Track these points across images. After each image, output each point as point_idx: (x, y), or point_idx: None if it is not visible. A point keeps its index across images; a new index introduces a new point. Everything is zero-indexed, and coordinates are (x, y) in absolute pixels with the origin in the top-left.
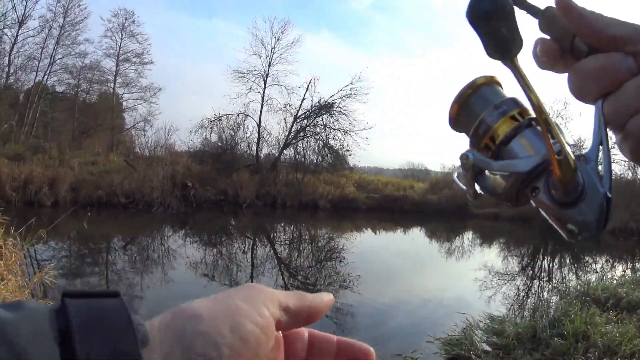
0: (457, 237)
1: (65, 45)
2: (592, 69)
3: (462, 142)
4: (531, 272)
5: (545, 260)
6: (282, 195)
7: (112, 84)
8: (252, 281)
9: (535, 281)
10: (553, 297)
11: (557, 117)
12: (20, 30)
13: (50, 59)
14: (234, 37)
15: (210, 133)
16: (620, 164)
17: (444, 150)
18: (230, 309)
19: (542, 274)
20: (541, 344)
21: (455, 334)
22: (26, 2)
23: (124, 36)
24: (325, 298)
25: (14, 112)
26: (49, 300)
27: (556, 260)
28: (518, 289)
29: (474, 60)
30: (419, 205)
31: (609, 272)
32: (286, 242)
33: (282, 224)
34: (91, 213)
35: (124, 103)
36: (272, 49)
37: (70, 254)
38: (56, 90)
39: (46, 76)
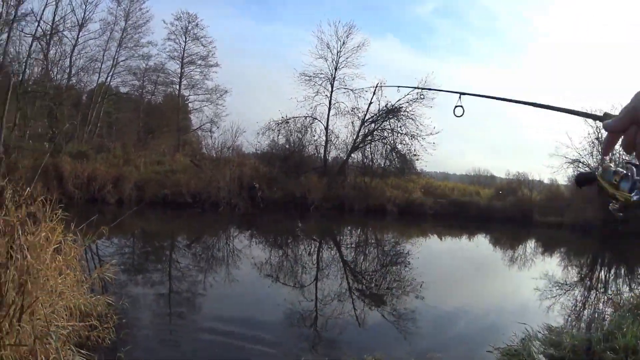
0: (520, 245)
1: (128, 48)
2: None
3: (524, 150)
4: (589, 282)
5: (602, 271)
6: (349, 198)
7: (178, 86)
8: (316, 284)
9: (592, 292)
10: (608, 309)
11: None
12: (80, 33)
13: (113, 60)
14: (298, 40)
15: (278, 135)
16: None
17: (509, 157)
18: None
19: (599, 284)
20: (595, 357)
21: (514, 345)
22: (86, 6)
23: (187, 39)
24: None
25: (77, 112)
26: (108, 294)
27: (612, 271)
28: (576, 299)
29: (539, 66)
30: (485, 211)
31: None
32: (352, 245)
33: (348, 227)
34: (156, 211)
35: (190, 104)
36: (337, 52)
37: (133, 251)
38: (120, 91)
39: (109, 77)
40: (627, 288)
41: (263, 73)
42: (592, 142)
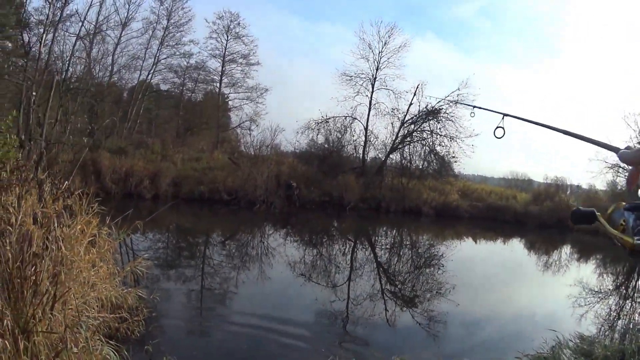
0: (556, 251)
1: (170, 46)
2: None
3: (565, 155)
4: (624, 291)
5: None
6: (386, 199)
7: (218, 84)
8: (349, 284)
9: (627, 302)
10: None
11: None
12: (123, 32)
13: (155, 58)
14: (340, 40)
15: (317, 134)
16: None
17: (549, 162)
18: None
19: (636, 294)
20: None
21: (543, 352)
22: (129, 6)
23: (229, 38)
24: None
25: (117, 108)
26: (140, 288)
27: None
28: (610, 308)
29: (579, 72)
30: (521, 215)
31: None
32: (387, 246)
33: (384, 228)
34: (192, 208)
35: (230, 102)
36: (379, 52)
37: (167, 246)
38: (161, 88)
39: (150, 75)
40: None
41: (303, 72)
42: (634, 147)
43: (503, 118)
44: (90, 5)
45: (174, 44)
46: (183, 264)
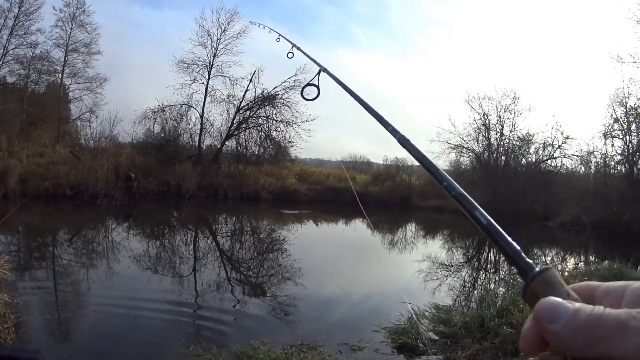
0: (400, 229)
1: (18, 36)
2: None
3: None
4: (477, 263)
5: (492, 252)
6: (223, 186)
7: (60, 75)
8: (195, 275)
9: (481, 272)
10: (500, 288)
11: (505, 111)
12: None
13: (4, 49)
14: (184, 28)
15: (154, 124)
16: (572, 159)
17: (388, 144)
18: None
19: (489, 265)
20: (490, 332)
21: (401, 323)
22: None
23: (73, 26)
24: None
25: None
26: (5, 293)
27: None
28: (464, 280)
29: (425, 58)
30: (361, 196)
31: (559, 264)
32: (228, 233)
33: (223, 216)
34: (39, 205)
35: (71, 94)
36: (217, 39)
37: (19, 248)
38: (7, 81)
39: None
40: None
41: (146, 60)
42: (478, 129)
43: (319, 73)
44: None
45: (22, 33)
46: (36, 265)
